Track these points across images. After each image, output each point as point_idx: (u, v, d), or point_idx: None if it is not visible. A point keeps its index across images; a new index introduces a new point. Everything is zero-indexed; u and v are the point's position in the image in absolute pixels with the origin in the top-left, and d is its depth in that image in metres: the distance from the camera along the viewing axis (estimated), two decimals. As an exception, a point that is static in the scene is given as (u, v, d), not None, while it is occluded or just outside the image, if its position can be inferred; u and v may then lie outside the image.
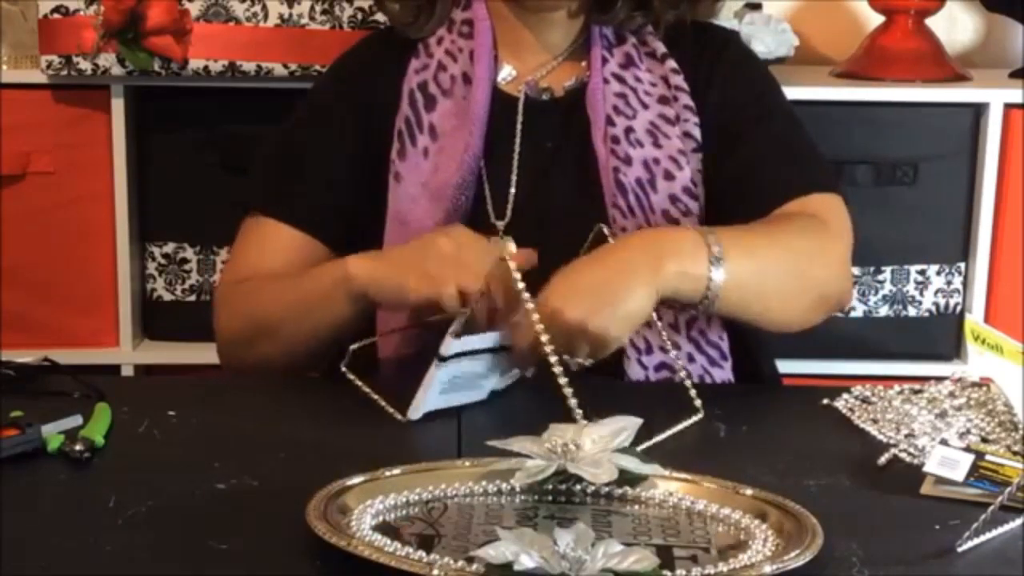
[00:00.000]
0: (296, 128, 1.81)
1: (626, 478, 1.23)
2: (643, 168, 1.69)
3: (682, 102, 1.73)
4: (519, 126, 1.73)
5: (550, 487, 1.23)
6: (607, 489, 1.23)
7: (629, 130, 1.70)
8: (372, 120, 1.76)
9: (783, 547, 1.13)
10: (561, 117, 1.75)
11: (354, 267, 1.57)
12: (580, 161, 1.72)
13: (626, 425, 1.26)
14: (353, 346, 1.53)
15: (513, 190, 1.71)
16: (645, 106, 1.72)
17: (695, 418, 1.41)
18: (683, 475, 1.26)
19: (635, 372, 1.64)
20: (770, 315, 1.58)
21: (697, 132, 1.72)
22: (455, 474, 1.25)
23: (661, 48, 1.76)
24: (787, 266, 1.58)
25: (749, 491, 1.23)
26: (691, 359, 1.66)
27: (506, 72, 1.76)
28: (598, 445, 1.24)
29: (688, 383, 1.40)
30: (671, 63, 1.75)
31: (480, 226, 1.69)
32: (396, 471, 1.24)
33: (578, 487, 1.24)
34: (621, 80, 1.73)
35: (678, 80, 1.74)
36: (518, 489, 1.23)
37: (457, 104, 1.73)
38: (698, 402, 1.39)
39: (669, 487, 1.25)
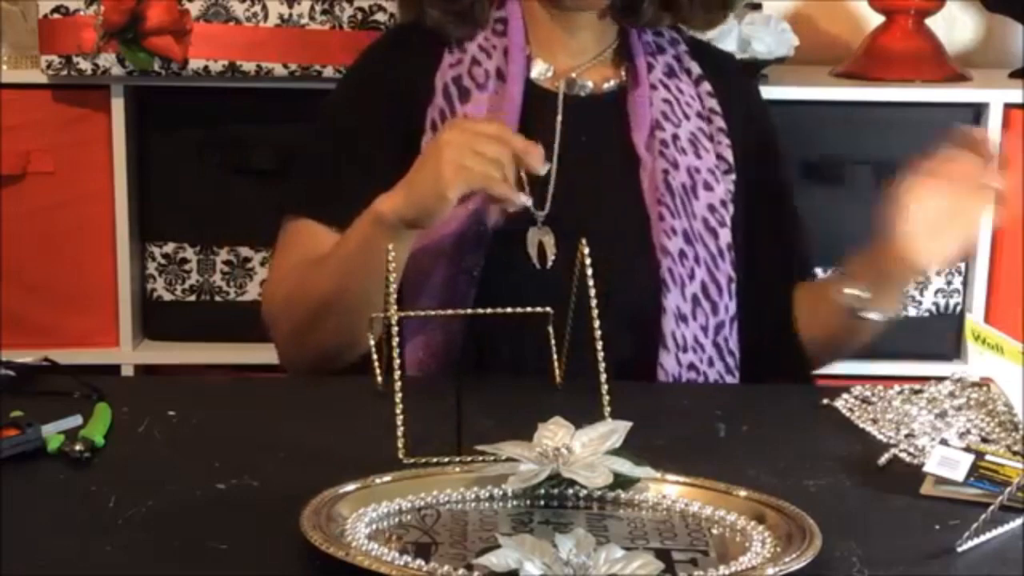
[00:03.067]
0: (327, 127, 1.80)
1: (618, 481, 1.23)
2: (687, 175, 1.73)
3: (716, 124, 1.77)
4: (559, 118, 1.74)
5: (542, 492, 1.23)
6: (599, 493, 1.23)
7: (675, 137, 1.74)
8: (402, 111, 1.75)
9: (782, 549, 1.13)
10: (600, 114, 1.76)
11: (381, 203, 1.58)
12: (620, 160, 1.74)
13: (616, 428, 1.26)
14: (373, 315, 1.55)
15: (553, 180, 1.71)
16: (687, 117, 1.76)
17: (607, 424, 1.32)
18: (676, 477, 1.25)
19: (671, 366, 1.67)
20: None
21: (729, 155, 1.76)
22: (446, 480, 1.24)
23: (696, 69, 1.80)
24: None
25: (743, 492, 1.23)
26: (711, 363, 1.70)
27: (542, 68, 1.77)
28: (589, 448, 1.24)
29: (603, 378, 1.37)
30: (706, 86, 1.79)
31: (519, 216, 1.68)
32: (387, 478, 1.23)
33: (570, 491, 1.23)
34: (667, 88, 1.77)
35: (712, 103, 1.78)
36: (510, 494, 1.23)
37: (491, 98, 1.73)
38: (607, 410, 1.36)
39: (662, 490, 1.24)
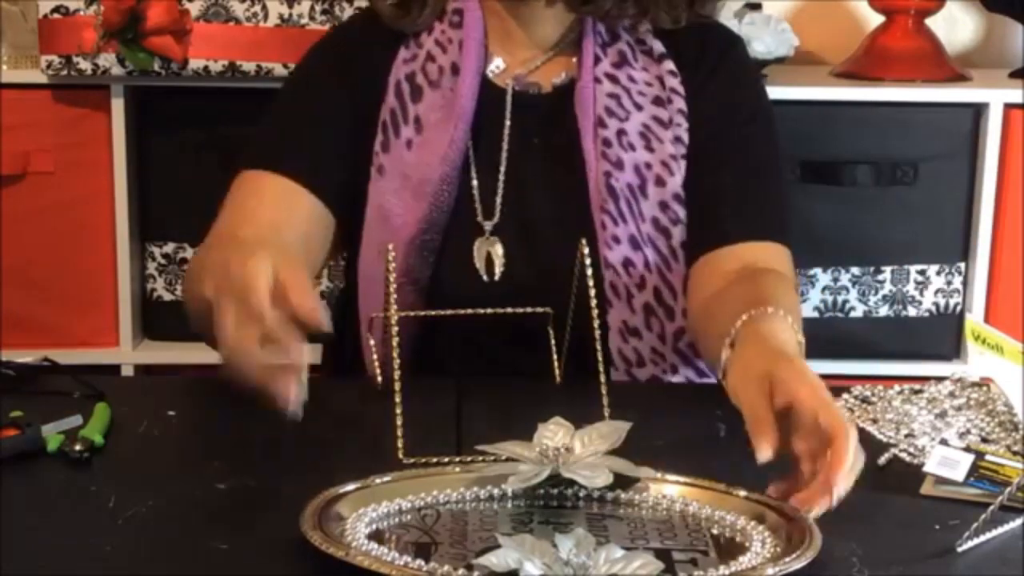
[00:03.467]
0: (289, 94, 1.74)
1: (618, 481, 1.23)
2: (634, 173, 1.64)
3: (676, 105, 1.67)
4: (507, 120, 1.67)
5: (542, 492, 1.23)
6: (599, 493, 1.23)
7: (621, 132, 1.65)
8: (360, 103, 1.69)
9: (782, 549, 1.13)
10: (549, 114, 1.69)
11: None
12: (568, 161, 1.66)
13: (616, 428, 1.26)
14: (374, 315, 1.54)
15: (501, 188, 1.66)
16: (639, 107, 1.66)
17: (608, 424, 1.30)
18: (676, 477, 1.25)
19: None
20: None
21: (687, 138, 1.66)
22: (446, 480, 1.24)
23: (659, 47, 1.69)
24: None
25: (742, 492, 1.23)
26: (675, 370, 1.65)
27: (495, 64, 1.69)
28: (589, 448, 1.24)
29: (603, 378, 1.36)
30: (668, 64, 1.68)
31: (467, 226, 1.65)
32: (387, 478, 1.23)
33: (570, 491, 1.23)
34: (614, 80, 1.67)
35: (674, 82, 1.68)
36: (510, 494, 1.23)
37: (444, 96, 1.67)
38: (607, 411, 1.35)
39: (661, 489, 1.24)
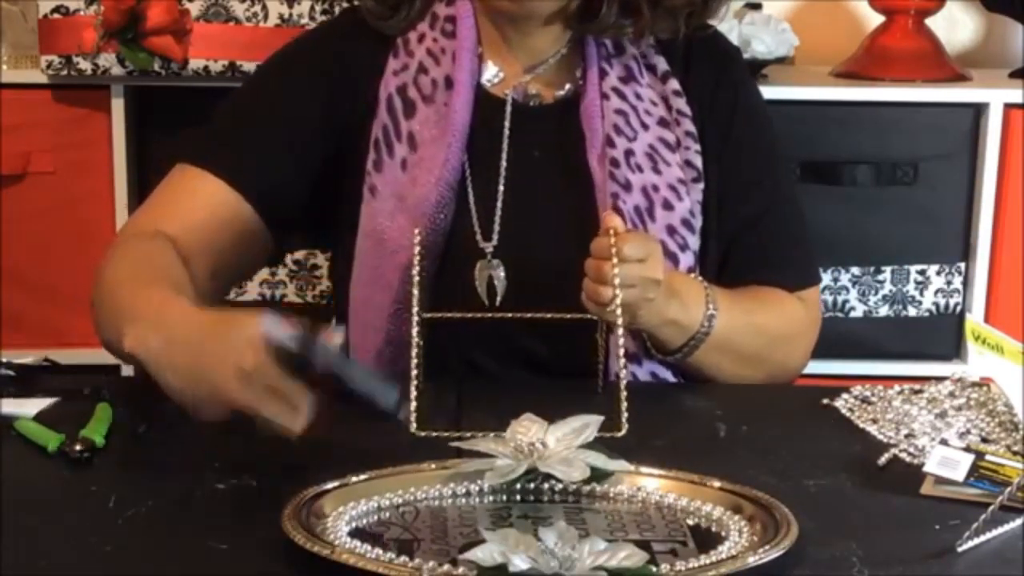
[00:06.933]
0: (261, 86, 1.70)
1: (593, 474, 1.23)
2: (642, 195, 1.59)
3: (684, 128, 1.63)
4: (506, 132, 1.61)
5: (519, 487, 1.24)
6: (575, 486, 1.24)
7: (629, 153, 1.59)
8: (343, 115, 1.63)
9: (759, 538, 1.14)
10: (551, 126, 1.63)
11: (132, 344, 1.34)
12: (572, 178, 1.61)
13: (588, 422, 1.27)
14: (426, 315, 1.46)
15: (500, 206, 1.60)
16: (645, 127, 1.62)
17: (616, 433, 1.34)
18: (649, 470, 1.26)
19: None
20: (717, 375, 1.61)
21: (699, 161, 1.62)
22: (423, 477, 1.25)
23: (663, 65, 1.65)
24: (757, 344, 1.62)
25: (716, 483, 1.24)
26: (639, 361, 1.60)
27: (492, 72, 1.64)
28: (563, 443, 1.25)
29: (623, 394, 1.36)
30: (673, 84, 1.64)
31: (466, 249, 1.59)
32: (363, 476, 1.24)
33: (546, 485, 1.24)
34: (621, 96, 1.62)
35: (680, 104, 1.63)
36: (486, 490, 1.24)
37: (438, 111, 1.60)
38: (625, 415, 1.35)
39: (636, 482, 1.25)
